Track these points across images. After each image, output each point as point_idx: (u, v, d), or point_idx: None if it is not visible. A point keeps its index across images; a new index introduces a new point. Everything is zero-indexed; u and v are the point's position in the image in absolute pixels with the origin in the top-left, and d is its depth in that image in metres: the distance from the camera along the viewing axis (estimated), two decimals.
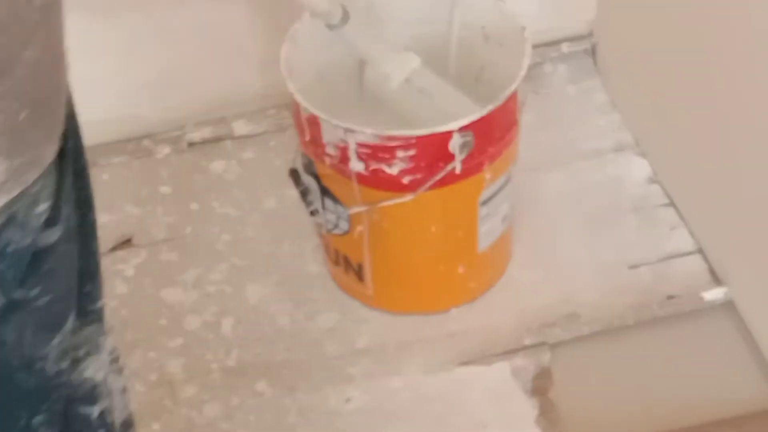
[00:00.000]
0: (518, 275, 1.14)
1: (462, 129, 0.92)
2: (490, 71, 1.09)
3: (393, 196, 0.97)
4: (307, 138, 0.99)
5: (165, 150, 1.29)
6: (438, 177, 0.95)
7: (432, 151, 0.94)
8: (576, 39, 1.35)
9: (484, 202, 1.02)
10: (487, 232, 1.05)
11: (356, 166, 0.96)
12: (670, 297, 1.09)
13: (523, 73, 0.96)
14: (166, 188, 1.25)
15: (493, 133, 0.96)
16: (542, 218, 1.19)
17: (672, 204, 1.18)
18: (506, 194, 1.04)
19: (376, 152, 0.94)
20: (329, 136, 0.95)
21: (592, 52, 1.34)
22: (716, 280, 1.10)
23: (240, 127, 1.29)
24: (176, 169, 1.27)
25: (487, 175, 0.99)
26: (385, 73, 1.03)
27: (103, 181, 1.26)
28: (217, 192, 1.24)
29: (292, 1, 0.96)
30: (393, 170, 0.95)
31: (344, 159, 0.96)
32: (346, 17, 0.96)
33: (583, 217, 1.18)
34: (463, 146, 0.93)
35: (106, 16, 1.20)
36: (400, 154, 0.93)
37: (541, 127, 1.28)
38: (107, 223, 1.21)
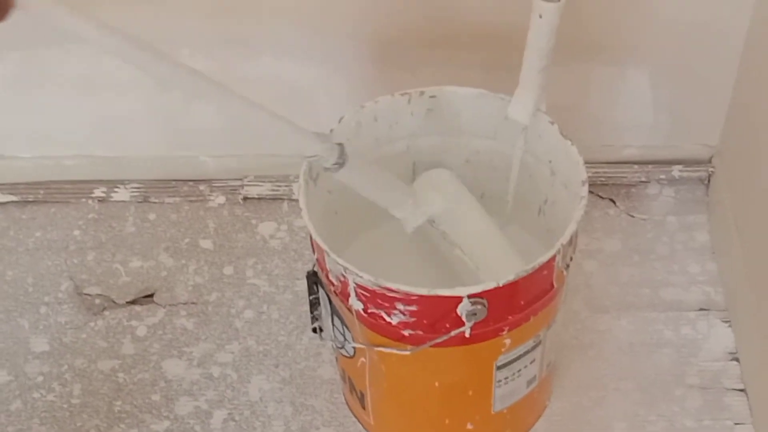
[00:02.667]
0: None
1: (472, 296, 0.79)
2: (554, 207, 0.94)
3: (391, 344, 0.85)
4: (315, 256, 0.88)
5: (219, 199, 1.21)
6: (442, 339, 0.83)
7: (437, 311, 0.81)
8: (692, 163, 1.17)
9: (502, 367, 0.88)
10: (505, 395, 0.91)
11: (356, 304, 0.84)
12: None
13: (564, 240, 0.81)
14: (207, 242, 1.17)
15: (515, 302, 0.83)
16: (594, 370, 1.04)
17: (745, 392, 1.01)
18: (534, 356, 0.90)
19: (375, 298, 0.82)
20: (331, 265, 0.84)
21: (707, 181, 1.16)
22: None
23: None
24: (224, 223, 1.19)
25: (507, 341, 0.86)
26: (398, 218, 0.90)
27: (148, 220, 1.19)
28: (257, 258, 1.16)
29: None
30: (392, 320, 0.83)
31: (345, 293, 0.85)
32: (342, 159, 0.80)
33: (639, 381, 1.03)
34: (472, 313, 0.80)
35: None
36: (400, 306, 0.81)
37: (625, 258, 1.13)
38: (137, 269, 1.15)
